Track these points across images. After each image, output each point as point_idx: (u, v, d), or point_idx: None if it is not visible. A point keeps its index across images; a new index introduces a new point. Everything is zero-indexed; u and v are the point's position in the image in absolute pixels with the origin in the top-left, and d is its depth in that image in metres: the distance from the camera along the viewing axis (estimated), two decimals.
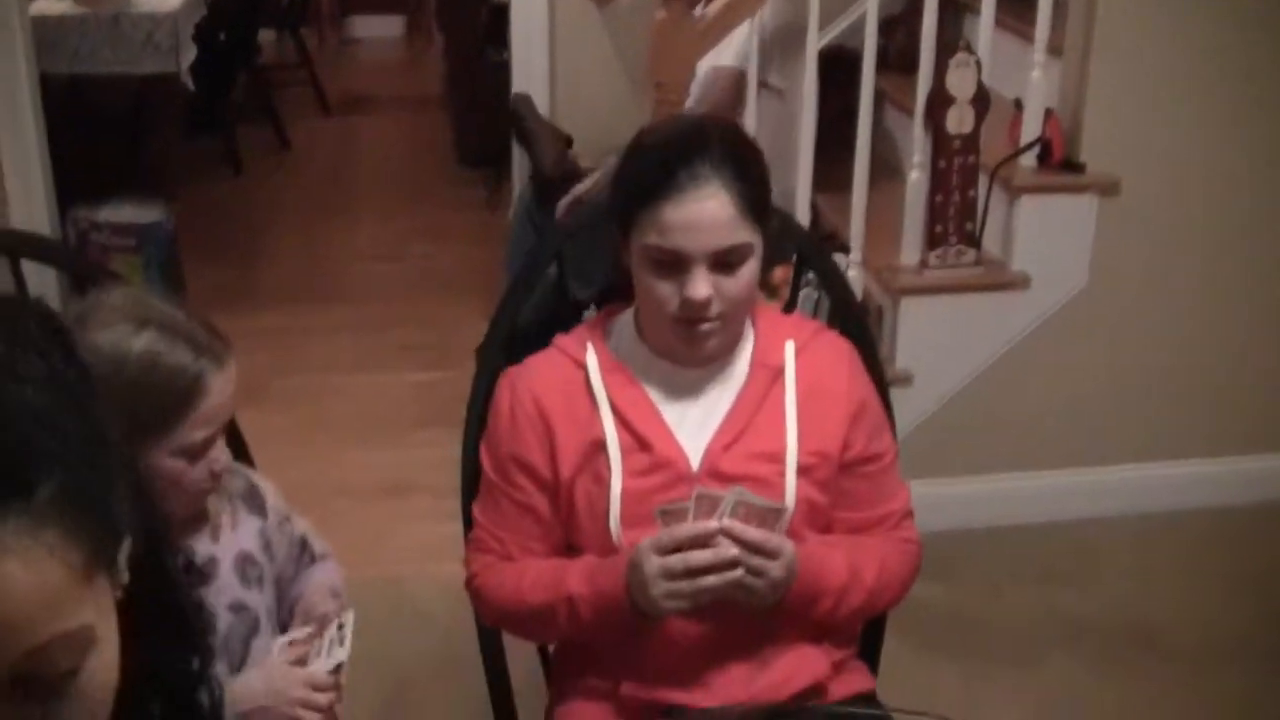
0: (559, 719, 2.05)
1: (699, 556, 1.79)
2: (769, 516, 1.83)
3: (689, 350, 1.94)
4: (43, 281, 4.26)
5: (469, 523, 2.13)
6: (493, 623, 2.08)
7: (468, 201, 6.35)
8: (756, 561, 1.81)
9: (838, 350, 2.08)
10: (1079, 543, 3.90)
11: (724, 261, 1.87)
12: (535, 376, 2.01)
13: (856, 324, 2.24)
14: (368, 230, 6.24)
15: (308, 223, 6.29)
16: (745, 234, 1.87)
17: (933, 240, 3.63)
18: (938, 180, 3.56)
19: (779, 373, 1.99)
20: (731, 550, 1.79)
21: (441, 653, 3.20)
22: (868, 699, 2.06)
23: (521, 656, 2.24)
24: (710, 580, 1.80)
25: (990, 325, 3.78)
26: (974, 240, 3.65)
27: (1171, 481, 4.01)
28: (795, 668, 1.97)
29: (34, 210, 4.56)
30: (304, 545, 2.04)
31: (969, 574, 3.62)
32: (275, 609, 1.96)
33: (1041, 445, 3.94)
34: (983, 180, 3.63)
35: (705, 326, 1.89)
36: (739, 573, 1.80)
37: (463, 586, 2.11)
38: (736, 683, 1.94)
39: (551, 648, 2.21)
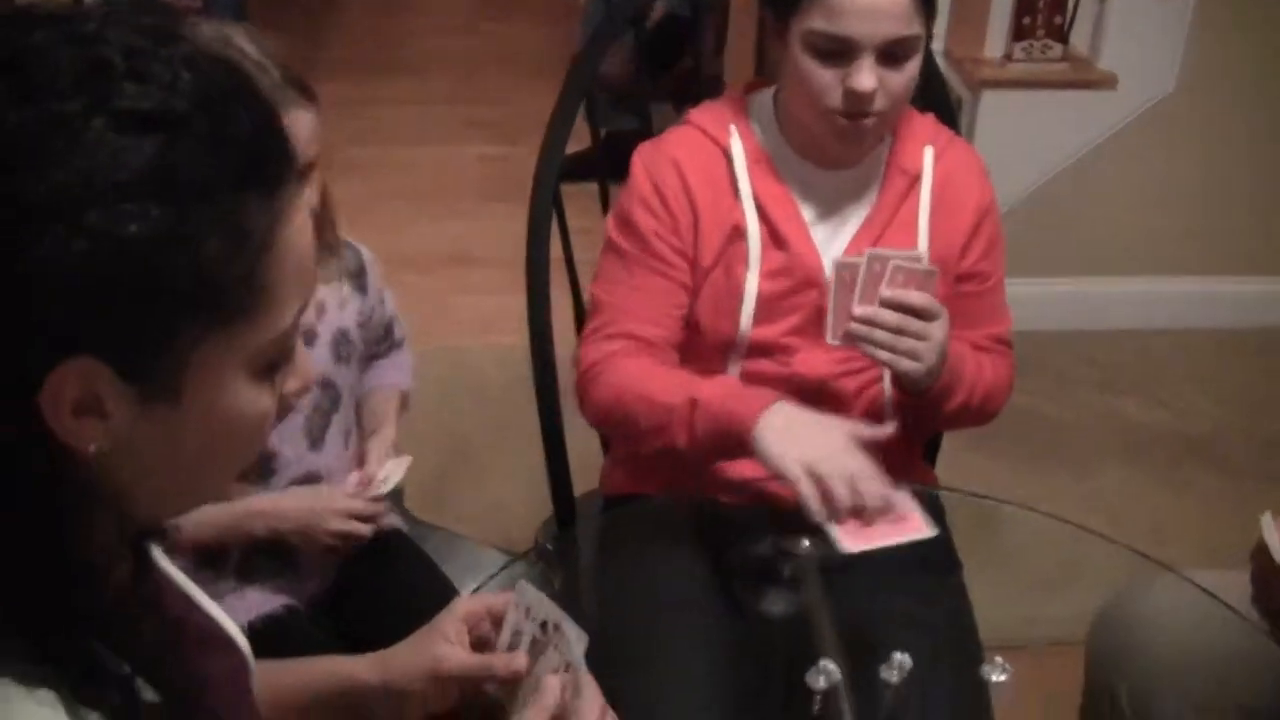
0: (614, 485, 2.06)
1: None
2: (926, 280, 1.74)
3: (842, 147, 1.84)
4: None
5: (533, 295, 2.10)
6: (596, 413, 1.93)
7: None
8: (918, 326, 1.73)
9: (971, 158, 1.98)
10: (1146, 352, 3.87)
11: (892, 53, 1.73)
12: (680, 157, 1.89)
13: (947, 116, 2.16)
14: (439, 3, 6.14)
15: None
16: (917, 24, 1.74)
17: (1019, 33, 3.53)
18: None
19: (916, 179, 1.90)
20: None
21: (499, 419, 3.23)
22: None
23: (579, 427, 2.24)
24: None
25: (1072, 124, 3.69)
26: (1062, 35, 3.55)
27: (1244, 298, 3.97)
28: None
29: None
30: (389, 328, 2.03)
31: (1032, 375, 3.55)
32: (357, 385, 1.97)
33: (1115, 252, 3.89)
34: None
35: (866, 122, 1.78)
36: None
37: (521, 356, 2.10)
38: None
39: None
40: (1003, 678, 1.69)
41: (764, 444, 1.68)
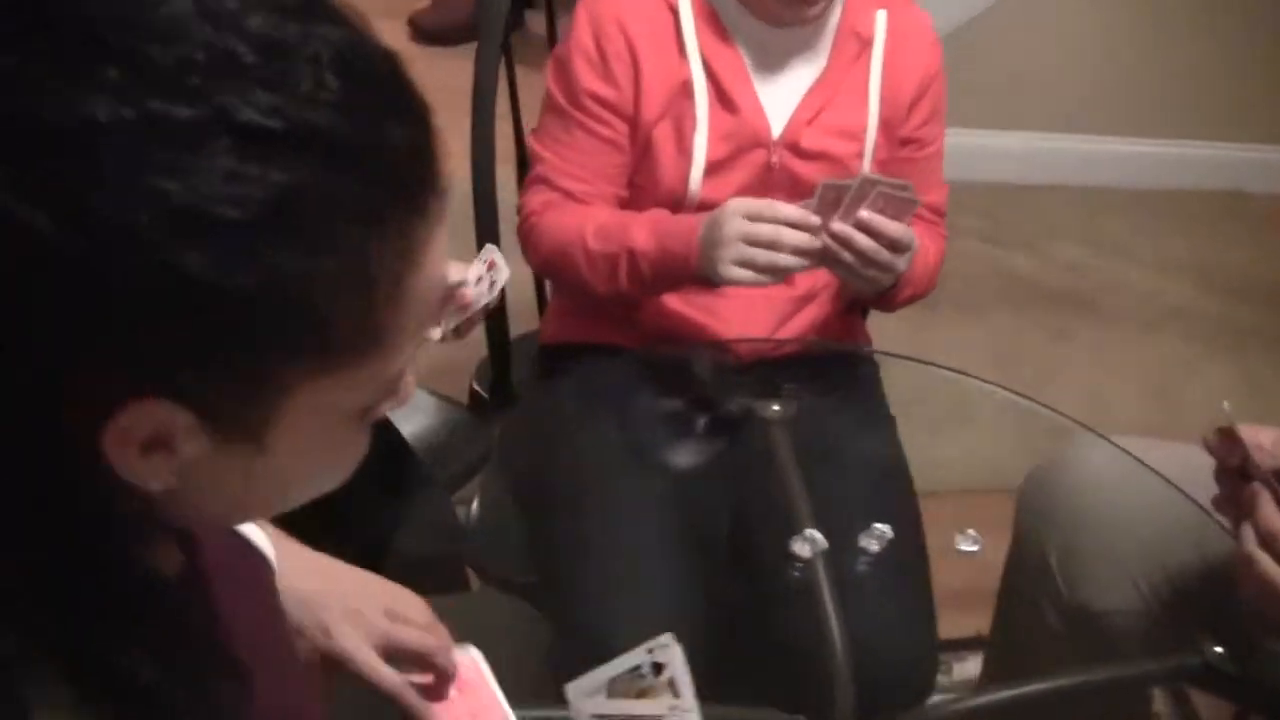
0: (551, 334, 2.09)
1: (792, 236, 1.67)
2: (906, 208, 1.72)
3: (785, 7, 1.81)
4: None
5: (477, 135, 2.03)
6: (541, 264, 1.96)
7: None
8: (887, 257, 1.72)
9: (923, 23, 1.97)
10: (1033, 208, 3.95)
11: None
12: (625, 15, 1.85)
13: None
14: None
15: None
16: None
17: None
18: None
19: (867, 44, 1.89)
20: (817, 242, 1.68)
21: None
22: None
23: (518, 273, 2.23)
24: (787, 260, 1.68)
25: None
26: None
27: (1134, 158, 4.06)
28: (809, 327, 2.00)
29: None
30: None
31: None
32: None
33: (1009, 107, 3.92)
34: None
35: None
36: (807, 263, 1.70)
37: (460, 189, 2.07)
38: (755, 328, 1.95)
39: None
40: (974, 548, 1.74)
41: (707, 270, 1.71)
